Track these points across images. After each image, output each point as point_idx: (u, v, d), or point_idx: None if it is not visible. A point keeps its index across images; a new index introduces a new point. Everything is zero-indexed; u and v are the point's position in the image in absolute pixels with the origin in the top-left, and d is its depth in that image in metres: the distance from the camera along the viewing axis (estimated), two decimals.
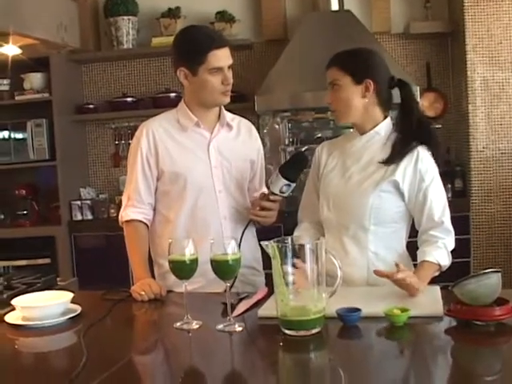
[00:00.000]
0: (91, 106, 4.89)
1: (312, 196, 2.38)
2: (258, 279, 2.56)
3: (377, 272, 1.99)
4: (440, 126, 4.46)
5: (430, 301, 1.92)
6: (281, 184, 2.28)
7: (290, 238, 1.78)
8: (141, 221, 2.45)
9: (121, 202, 2.56)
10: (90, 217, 4.78)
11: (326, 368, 1.59)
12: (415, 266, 2.13)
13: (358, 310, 1.79)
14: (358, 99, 2.18)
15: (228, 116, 2.51)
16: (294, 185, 2.30)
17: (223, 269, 1.81)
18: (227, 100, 2.41)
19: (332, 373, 1.54)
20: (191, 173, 2.40)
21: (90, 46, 4.87)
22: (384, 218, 2.18)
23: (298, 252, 1.72)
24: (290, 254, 1.70)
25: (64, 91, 4.74)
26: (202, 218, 2.42)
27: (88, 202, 4.79)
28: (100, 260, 4.56)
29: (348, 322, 1.78)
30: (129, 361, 1.65)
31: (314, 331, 1.71)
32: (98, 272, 4.40)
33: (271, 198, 2.34)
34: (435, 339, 1.73)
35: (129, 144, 4.83)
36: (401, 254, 2.24)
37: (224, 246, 1.80)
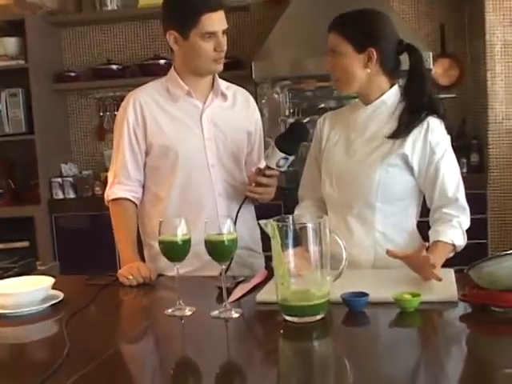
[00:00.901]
0: (72, 74, 4.87)
1: (313, 172, 2.39)
2: (256, 261, 2.57)
3: (389, 252, 2.00)
4: (455, 95, 4.45)
5: (443, 285, 1.92)
6: (277, 157, 2.28)
7: (290, 217, 1.78)
8: (129, 199, 2.45)
9: (106, 178, 2.56)
10: (72, 195, 4.78)
11: (330, 357, 1.60)
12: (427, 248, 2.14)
13: (364, 294, 1.80)
14: (359, 69, 2.17)
15: (222, 84, 2.50)
16: (291, 158, 2.30)
17: (218, 250, 1.82)
18: (220, 68, 2.40)
19: (336, 363, 1.55)
20: (182, 146, 2.40)
21: (70, 6, 4.84)
22: (392, 195, 2.19)
23: (300, 232, 1.73)
24: (291, 234, 1.71)
25: (41, 57, 4.71)
26: (195, 195, 2.42)
27: (70, 179, 4.79)
28: (83, 242, 4.57)
29: (354, 308, 1.79)
30: (116, 351, 1.66)
31: (317, 317, 1.72)
32: (82, 255, 4.42)
33: (267, 172, 2.34)
34: (449, 327, 1.74)
35: (114, 116, 4.82)
36: (411, 233, 2.25)
37: (219, 226, 1.80)
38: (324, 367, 1.53)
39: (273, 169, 2.32)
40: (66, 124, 5.09)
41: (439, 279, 1.90)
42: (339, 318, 1.78)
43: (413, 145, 2.16)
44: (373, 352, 1.58)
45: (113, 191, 2.46)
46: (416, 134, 2.17)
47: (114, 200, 2.46)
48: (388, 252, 2.00)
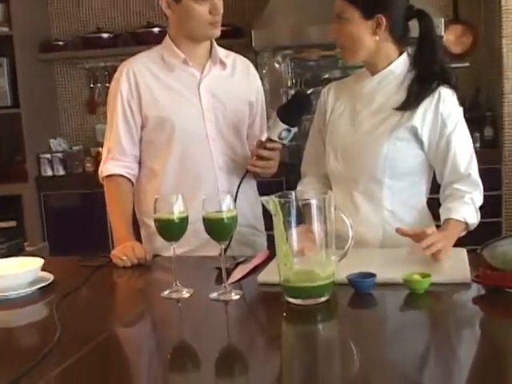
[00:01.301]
0: (60, 43, 4.85)
1: (317, 145, 2.38)
2: (258, 240, 2.58)
3: (399, 230, 2.00)
4: (468, 64, 4.43)
5: (455, 265, 1.93)
6: (279, 129, 2.28)
7: (293, 193, 1.79)
8: (124, 176, 2.46)
9: (97, 154, 2.57)
10: (61, 172, 4.78)
11: (335, 341, 1.61)
12: (438, 226, 2.14)
13: (372, 275, 1.80)
14: (367, 36, 2.15)
15: (221, 52, 2.49)
16: (294, 130, 2.30)
17: (217, 228, 1.82)
18: (217, 32, 2.39)
19: (342, 347, 1.56)
20: (180, 118, 2.40)
21: None
22: (400, 170, 2.19)
23: (303, 209, 1.73)
24: (293, 211, 1.71)
25: (27, 25, 4.69)
26: (194, 170, 2.43)
27: (59, 154, 4.79)
28: (74, 222, 4.58)
29: (361, 290, 1.79)
30: (110, 335, 1.66)
31: (321, 299, 1.73)
32: (72, 236, 4.43)
33: (268, 145, 2.34)
34: (461, 309, 1.75)
35: (106, 87, 4.81)
36: (421, 211, 2.25)
37: (219, 202, 1.81)
38: (329, 352, 1.54)
39: (275, 141, 2.32)
40: (54, 96, 5.08)
41: (437, 259, 1.92)
42: (345, 299, 1.79)
43: (423, 117, 2.16)
44: (380, 336, 1.59)
45: (107, 167, 2.46)
46: (426, 106, 2.16)
47: (107, 177, 2.46)
48: (398, 230, 2.01)
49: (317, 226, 1.71)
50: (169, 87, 2.43)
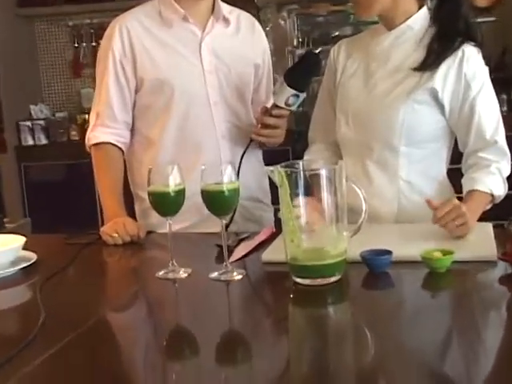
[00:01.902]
0: None
1: (326, 110, 2.38)
2: (265, 215, 2.60)
3: (430, 203, 1.98)
4: (494, 18, 4.40)
5: (480, 241, 1.93)
6: (286, 94, 2.27)
7: (300, 163, 1.78)
8: (114, 144, 2.45)
9: (84, 122, 2.57)
10: (44, 141, 4.79)
11: (347, 326, 1.61)
12: (460, 199, 2.14)
13: (387, 252, 1.80)
14: None
15: (224, 8, 2.48)
16: (303, 95, 2.29)
17: (217, 202, 1.83)
18: None
19: (355, 332, 1.56)
20: (179, 80, 2.40)
21: None
22: (418, 137, 2.19)
23: (311, 180, 1.73)
24: (301, 182, 1.71)
25: None
26: (194, 138, 2.43)
27: (41, 122, 4.79)
28: (58, 196, 4.59)
29: (375, 268, 1.80)
30: (99, 320, 1.67)
31: (332, 279, 1.73)
32: (57, 211, 4.44)
33: (274, 112, 2.34)
34: (486, 289, 1.75)
35: (92, 47, 4.81)
36: (441, 182, 2.25)
37: (221, 173, 1.81)
38: (340, 337, 1.54)
39: (281, 108, 2.31)
40: (34, 57, 5.06)
41: (460, 235, 1.92)
42: (358, 279, 1.80)
43: (444, 78, 2.15)
44: (397, 319, 1.59)
45: (95, 134, 2.46)
46: (448, 66, 2.15)
47: (96, 145, 2.45)
48: (428, 201, 1.98)
49: (327, 199, 1.71)
50: (167, 46, 2.42)
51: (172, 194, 1.88)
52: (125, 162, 2.53)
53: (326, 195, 1.71)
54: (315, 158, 2.30)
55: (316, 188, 1.72)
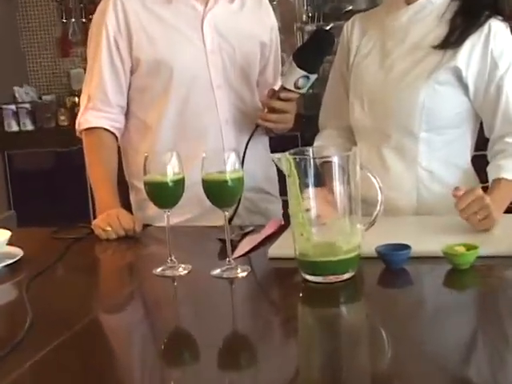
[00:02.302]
0: None
1: (339, 93, 2.38)
2: (272, 207, 2.60)
3: (455, 192, 1.97)
4: None
5: (506, 235, 1.93)
6: (296, 76, 2.27)
7: (310, 149, 1.79)
8: (107, 129, 2.45)
9: (73, 105, 2.58)
10: (29, 127, 4.79)
11: (361, 327, 1.61)
12: (485, 189, 2.13)
13: (405, 247, 1.80)
14: None
15: None
16: (313, 77, 2.29)
17: (219, 192, 1.83)
18: None
19: (370, 333, 1.56)
20: (179, 61, 2.39)
21: None
22: (440, 121, 2.19)
23: (322, 169, 1.73)
24: (311, 171, 1.71)
25: None
26: (195, 124, 2.43)
27: (27, 105, 4.79)
28: (46, 186, 4.59)
29: (392, 264, 1.80)
30: (91, 322, 1.67)
31: (345, 276, 1.73)
32: (45, 203, 4.45)
33: (282, 95, 2.34)
34: None
35: (82, 23, 4.81)
36: (464, 170, 2.25)
37: (222, 161, 1.81)
38: (354, 340, 1.54)
39: (290, 90, 2.31)
40: (16, 34, 5.05)
41: (484, 228, 1.92)
42: (373, 277, 1.81)
43: (468, 56, 2.14)
44: (416, 320, 1.59)
45: (86, 119, 2.46)
46: (473, 42, 2.14)
47: (87, 130, 2.46)
48: (454, 193, 1.97)
49: (339, 189, 1.72)
50: (165, 23, 2.41)
51: (170, 183, 1.88)
52: (119, 149, 2.53)
53: (338, 185, 1.72)
54: (327, 145, 2.30)
55: (327, 177, 1.73)
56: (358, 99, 2.28)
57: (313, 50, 2.29)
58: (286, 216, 1.91)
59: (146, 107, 2.46)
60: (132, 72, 2.44)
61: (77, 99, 2.99)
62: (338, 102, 2.38)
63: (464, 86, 2.17)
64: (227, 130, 2.45)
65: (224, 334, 1.58)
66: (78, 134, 2.50)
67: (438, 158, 2.21)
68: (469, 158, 2.27)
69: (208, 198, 1.84)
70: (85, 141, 2.48)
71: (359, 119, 2.28)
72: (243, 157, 2.19)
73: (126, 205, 2.46)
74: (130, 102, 2.49)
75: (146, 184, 1.90)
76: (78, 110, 2.52)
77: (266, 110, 2.38)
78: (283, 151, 1.76)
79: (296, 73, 2.27)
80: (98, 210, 2.37)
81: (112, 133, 2.46)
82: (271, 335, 1.59)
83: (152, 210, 2.22)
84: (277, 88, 2.39)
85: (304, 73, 2.26)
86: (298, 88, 2.30)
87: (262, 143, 2.56)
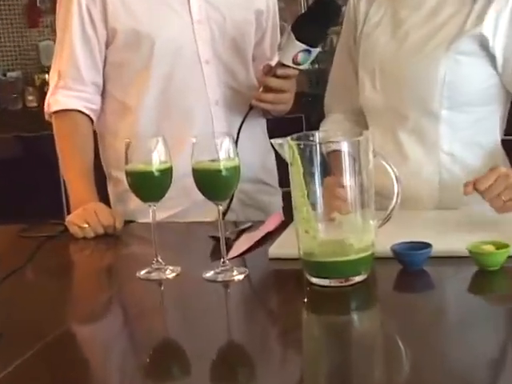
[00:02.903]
0: None
1: (346, 71, 2.39)
2: (270, 200, 2.61)
3: (467, 189, 1.98)
4: None
5: None
6: (295, 50, 2.28)
7: (316, 134, 1.79)
8: (81, 111, 2.46)
9: (43, 83, 2.57)
10: None
11: (375, 338, 1.61)
12: None
13: (426, 245, 1.81)
14: None
15: None
16: (315, 51, 2.29)
17: (212, 183, 1.83)
18: None
19: (385, 345, 1.56)
20: (161, 33, 2.40)
21: None
22: (464, 98, 2.19)
23: (330, 157, 1.73)
24: (317, 159, 1.71)
25: None
26: (181, 106, 2.44)
27: None
28: (13, 177, 4.59)
29: (411, 265, 1.80)
30: (64, 332, 1.67)
31: (356, 279, 1.74)
32: (11, 196, 4.44)
33: (279, 72, 2.34)
34: None
35: None
36: (493, 155, 2.25)
37: (215, 148, 1.80)
38: (367, 352, 1.53)
39: (288, 66, 2.31)
40: None
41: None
42: (388, 280, 1.81)
43: (495, 21, 2.14)
44: (437, 330, 1.59)
45: (57, 99, 2.46)
46: (500, 5, 2.14)
47: (58, 112, 2.46)
48: (466, 189, 1.98)
49: (349, 180, 1.72)
50: None
51: (156, 173, 1.88)
52: (95, 134, 2.53)
53: (348, 175, 1.72)
54: (334, 129, 2.30)
55: (336, 166, 1.73)
56: (368, 76, 2.28)
57: (314, 19, 2.29)
58: (287, 210, 1.91)
59: (124, 86, 2.47)
60: (107, 45, 2.44)
61: (47, 76, 2.97)
62: (345, 81, 2.39)
63: (491, 57, 2.16)
64: (217, 112, 2.46)
65: (218, 346, 1.58)
66: (47, 117, 2.50)
67: (462, 141, 2.22)
68: (498, 140, 2.27)
69: (199, 189, 1.84)
70: (55, 125, 2.48)
71: (370, 98, 2.29)
72: (236, 142, 2.19)
73: (104, 198, 2.46)
74: (106, 79, 2.49)
75: (129, 174, 1.91)
76: (48, 89, 2.52)
77: (261, 88, 2.39)
78: (285, 136, 1.75)
79: (295, 46, 2.27)
80: (73, 205, 2.37)
81: (87, 115, 2.47)
82: (272, 347, 1.58)
83: (134, 203, 2.22)
84: (274, 63, 2.38)
85: (304, 46, 2.26)
86: (298, 64, 2.30)
87: (258, 126, 2.56)
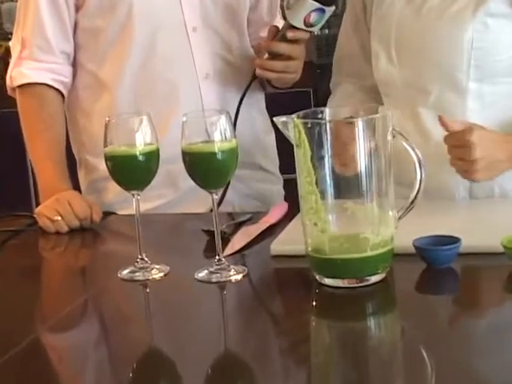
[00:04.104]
0: None
1: (357, 37, 2.40)
2: (270, 188, 2.62)
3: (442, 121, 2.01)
4: None
5: None
6: (307, 9, 2.28)
7: (326, 110, 1.78)
8: (49, 85, 2.45)
9: (6, 53, 2.56)
10: None
11: (395, 347, 1.60)
12: None
13: (453, 240, 1.80)
14: None
15: None
16: (330, 10, 2.30)
17: (205, 169, 1.82)
18: None
19: (407, 355, 1.54)
20: None
21: None
22: (494, 68, 2.19)
23: (336, 135, 1.71)
24: (327, 139, 1.70)
25: None
26: (165, 80, 2.44)
27: None
28: None
29: (436, 263, 1.80)
30: (34, 342, 1.67)
31: (373, 280, 1.73)
32: None
33: (289, 35, 2.34)
34: None
35: None
36: None
37: (206, 127, 1.79)
38: (385, 364, 1.52)
39: (298, 29, 2.31)
40: None
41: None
42: (410, 279, 1.81)
43: None
44: (468, 338, 1.58)
45: (21, 71, 2.46)
46: None
47: (23, 86, 2.46)
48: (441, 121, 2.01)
49: (364, 164, 1.71)
50: None
51: (140, 158, 1.87)
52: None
53: (362, 157, 1.71)
54: (345, 104, 2.30)
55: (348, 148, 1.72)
56: (383, 47, 2.28)
57: None
58: (289, 200, 1.90)
59: (98, 57, 2.46)
60: (78, 8, 2.44)
61: (9, 44, 2.97)
62: (355, 50, 2.40)
63: None
64: (207, 87, 2.46)
65: (212, 360, 1.56)
66: (9, 92, 2.50)
67: (492, 118, 2.21)
68: None
69: (190, 176, 1.83)
70: (20, 101, 2.48)
71: (386, 72, 2.29)
72: (235, 120, 2.18)
73: (74, 188, 2.45)
74: (77, 49, 2.48)
75: (108, 158, 1.89)
76: (11, 60, 2.50)
77: (265, 55, 2.38)
78: (290, 113, 1.74)
79: (307, 5, 2.27)
80: (42, 193, 2.37)
81: (56, 89, 2.46)
82: (275, 361, 1.57)
83: (113, 193, 2.22)
84: (280, 25, 2.38)
85: (318, 5, 2.26)
86: (310, 25, 2.30)
87: (256, 103, 2.56)
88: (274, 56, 2.36)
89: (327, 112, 1.78)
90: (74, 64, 2.50)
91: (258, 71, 2.38)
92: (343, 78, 2.42)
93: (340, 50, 2.45)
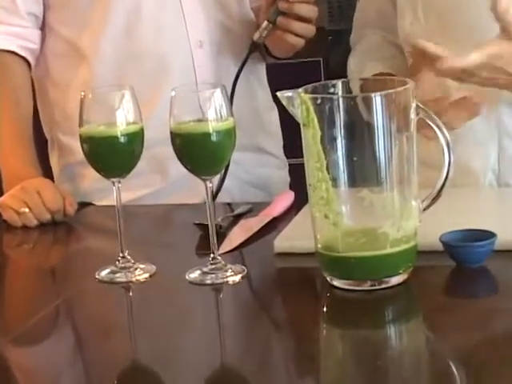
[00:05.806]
0: None
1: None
2: (274, 174, 2.63)
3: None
4: None
5: None
6: None
7: (339, 84, 1.78)
8: (15, 52, 2.45)
9: None
10: None
11: (420, 359, 1.59)
12: None
13: (487, 235, 1.79)
14: None
15: None
16: None
17: (198, 152, 1.82)
18: None
19: (433, 371, 1.53)
20: None
21: None
22: None
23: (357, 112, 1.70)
24: (340, 117, 1.69)
25: None
26: (152, 48, 2.45)
27: None
28: None
29: (467, 261, 1.80)
30: None
31: (394, 281, 1.73)
32: None
33: None
34: None
35: None
36: None
37: (199, 104, 1.79)
38: (409, 378, 1.52)
39: None
40: None
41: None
42: (437, 280, 1.81)
43: None
44: (505, 348, 1.57)
45: None
46: None
47: None
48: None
49: (384, 146, 1.70)
50: None
51: (122, 138, 1.87)
52: (33, 84, 2.51)
53: (381, 139, 1.70)
54: (363, 69, 2.32)
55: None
56: (409, 6, 2.29)
57: None
58: (296, 188, 1.89)
59: (73, 21, 2.47)
60: None
61: None
62: (378, 11, 2.43)
63: None
64: (201, 57, 2.47)
65: (206, 374, 1.56)
66: None
67: None
68: None
69: (180, 160, 1.83)
70: None
71: (411, 33, 2.28)
72: (231, 96, 2.18)
73: (44, 174, 2.44)
74: (46, 9, 2.48)
75: (84, 140, 1.89)
76: None
77: (264, 22, 2.38)
78: (297, 87, 1.74)
79: None
80: (6, 181, 2.39)
81: (23, 57, 2.46)
82: (279, 375, 1.57)
83: (90, 180, 2.22)
84: None
85: None
86: None
87: (255, 75, 2.56)
88: (282, 12, 2.35)
89: (340, 85, 1.77)
90: (43, 27, 2.50)
91: (256, 37, 2.39)
92: (369, 29, 2.44)
93: (364, 3, 2.47)
